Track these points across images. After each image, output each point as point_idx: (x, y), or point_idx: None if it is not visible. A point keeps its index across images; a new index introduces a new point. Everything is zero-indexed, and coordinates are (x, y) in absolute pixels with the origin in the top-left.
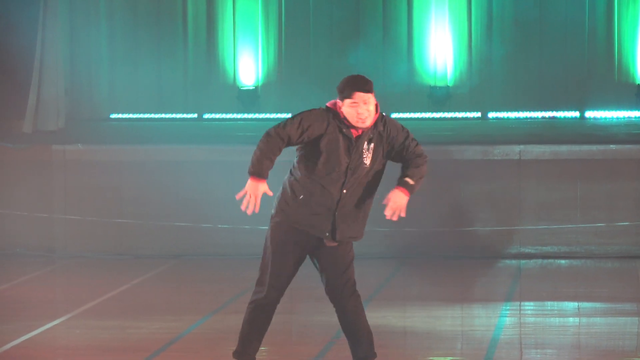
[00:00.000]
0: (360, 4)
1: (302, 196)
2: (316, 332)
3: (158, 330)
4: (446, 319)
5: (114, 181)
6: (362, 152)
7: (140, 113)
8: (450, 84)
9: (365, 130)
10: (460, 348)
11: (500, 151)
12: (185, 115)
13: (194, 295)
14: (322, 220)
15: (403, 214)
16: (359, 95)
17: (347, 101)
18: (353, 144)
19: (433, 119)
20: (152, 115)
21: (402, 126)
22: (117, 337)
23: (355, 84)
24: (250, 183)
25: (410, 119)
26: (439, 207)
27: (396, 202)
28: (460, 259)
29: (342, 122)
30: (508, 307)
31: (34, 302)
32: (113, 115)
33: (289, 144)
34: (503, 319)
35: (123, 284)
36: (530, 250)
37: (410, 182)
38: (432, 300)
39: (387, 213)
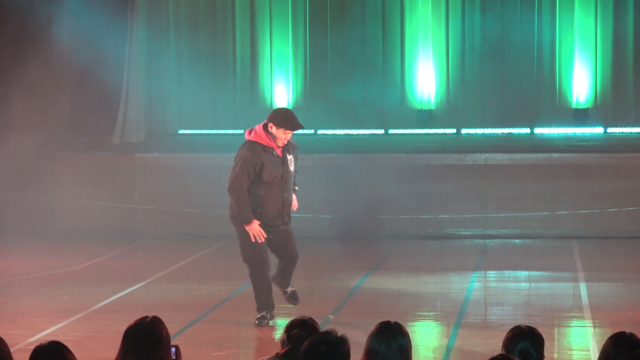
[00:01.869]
0: (365, 45)
1: (259, 209)
2: (333, 294)
3: (215, 291)
4: (429, 284)
5: (181, 180)
6: (288, 161)
7: (200, 129)
8: (432, 107)
9: (282, 147)
10: (440, 306)
11: (471, 158)
12: (234, 131)
13: (241, 265)
14: None
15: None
16: (291, 131)
17: (279, 130)
18: (280, 159)
19: (420, 134)
20: (210, 131)
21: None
22: (184, 297)
23: (287, 123)
24: (249, 228)
25: (403, 134)
26: (424, 201)
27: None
28: (441, 239)
29: (268, 147)
30: (476, 275)
31: (121, 271)
32: (181, 131)
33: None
34: (472, 284)
35: (188, 257)
36: (493, 232)
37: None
38: (419, 270)
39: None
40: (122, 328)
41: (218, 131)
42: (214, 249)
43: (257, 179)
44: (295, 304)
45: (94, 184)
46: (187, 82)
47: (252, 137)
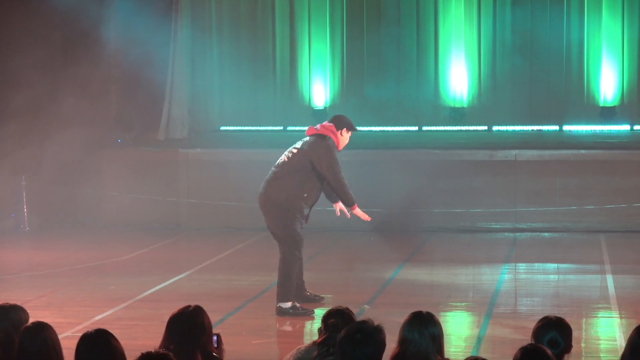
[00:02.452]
0: (400, 45)
1: (309, 195)
2: (368, 284)
3: (254, 282)
4: (461, 275)
5: (223, 175)
6: None
7: (241, 126)
8: (465, 105)
9: None
10: (472, 296)
11: (501, 154)
12: (273, 128)
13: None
14: None
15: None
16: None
17: (348, 133)
18: None
19: (452, 131)
20: (250, 128)
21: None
22: (225, 287)
23: (353, 126)
24: (358, 210)
25: (436, 131)
26: (456, 195)
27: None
28: (472, 232)
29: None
30: (506, 267)
31: (165, 261)
32: (222, 128)
33: None
34: (503, 276)
35: (229, 249)
36: (523, 226)
37: None
38: (451, 262)
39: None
40: (166, 316)
41: (258, 128)
42: (254, 241)
43: (315, 169)
44: (320, 300)
45: (139, 178)
46: (229, 81)
47: (326, 132)
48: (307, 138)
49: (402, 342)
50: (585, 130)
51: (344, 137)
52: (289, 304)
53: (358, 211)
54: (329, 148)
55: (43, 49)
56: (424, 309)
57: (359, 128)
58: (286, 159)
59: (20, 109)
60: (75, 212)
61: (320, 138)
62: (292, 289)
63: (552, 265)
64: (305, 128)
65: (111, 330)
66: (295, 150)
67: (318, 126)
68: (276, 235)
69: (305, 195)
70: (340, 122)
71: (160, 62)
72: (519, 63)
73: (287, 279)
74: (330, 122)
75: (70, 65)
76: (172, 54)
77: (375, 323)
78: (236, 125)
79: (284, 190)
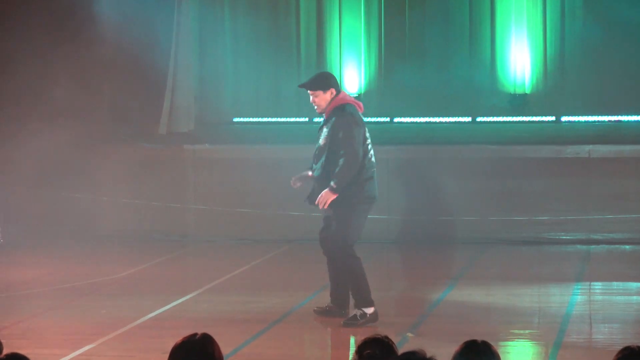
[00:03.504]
0: (449, 22)
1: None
2: (411, 307)
3: (275, 304)
4: (524, 296)
5: (237, 176)
6: (320, 134)
7: (259, 117)
8: (527, 91)
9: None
10: (537, 322)
11: (572, 150)
12: (298, 119)
13: (305, 275)
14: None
15: (325, 207)
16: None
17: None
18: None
19: (512, 122)
20: (270, 119)
21: (347, 123)
22: (239, 310)
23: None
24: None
25: (493, 122)
26: (517, 200)
27: (322, 198)
28: (537, 244)
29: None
30: (579, 287)
31: (168, 279)
32: (236, 119)
33: None
34: (575, 297)
35: (244, 265)
36: (598, 236)
37: (334, 186)
38: (512, 280)
39: (317, 201)
40: (168, 347)
41: (279, 119)
42: (275, 255)
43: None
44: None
45: (137, 180)
46: (244, 63)
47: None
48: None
49: None
50: None
51: None
52: (359, 312)
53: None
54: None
55: (25, 29)
56: (479, 338)
57: (398, 119)
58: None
59: None
60: (60, 221)
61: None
62: (364, 288)
63: (634, 284)
64: None
65: None
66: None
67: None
68: None
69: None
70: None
71: (161, 41)
72: (594, 40)
73: (357, 277)
74: None
75: (56, 47)
76: (176, 31)
77: (427, 355)
78: (253, 117)
79: None
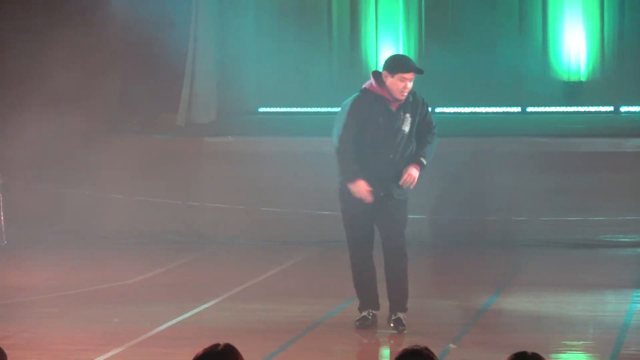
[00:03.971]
0: (497, 2)
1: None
2: (454, 316)
3: (302, 313)
4: (577, 304)
5: (262, 172)
6: (402, 120)
7: (287, 107)
8: (583, 79)
9: (402, 103)
10: (592, 332)
11: (632, 144)
12: (329, 109)
13: (336, 281)
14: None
15: (412, 186)
16: (408, 75)
17: (397, 76)
18: (393, 115)
19: (566, 112)
20: (299, 109)
21: (423, 99)
22: (262, 320)
23: (406, 65)
24: (353, 186)
25: (544, 112)
26: (570, 198)
27: (410, 175)
28: (592, 247)
29: (381, 98)
30: (638, 294)
31: (185, 286)
32: (261, 109)
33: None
34: (634, 305)
35: (269, 269)
36: None
37: (424, 161)
38: (564, 287)
39: (401, 182)
40: (188, 358)
41: (308, 109)
42: (303, 259)
43: (360, 133)
44: (398, 331)
45: (151, 176)
46: (269, 48)
47: (366, 84)
48: None
49: None
50: None
51: (393, 82)
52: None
53: (358, 186)
54: (347, 104)
55: (21, 7)
56: (529, 349)
57: (440, 109)
58: None
59: None
60: (62, 220)
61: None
62: (359, 289)
63: None
64: None
65: None
66: None
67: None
68: None
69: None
70: (384, 65)
71: (179, 22)
72: None
73: (353, 276)
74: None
75: (58, 27)
76: (195, 12)
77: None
78: (279, 106)
79: None
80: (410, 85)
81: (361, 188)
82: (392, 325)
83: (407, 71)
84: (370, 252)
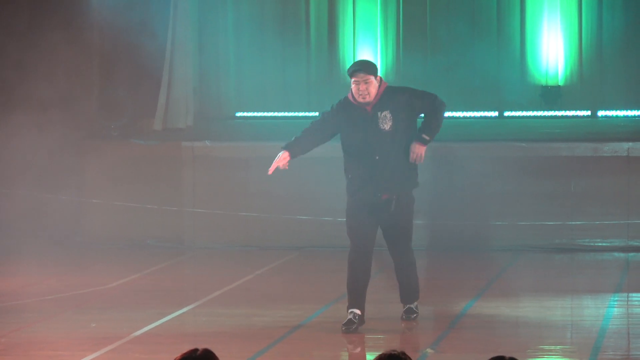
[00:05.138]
0: (475, 7)
1: (350, 175)
2: (432, 321)
3: (281, 318)
4: (556, 309)
5: (240, 176)
6: (380, 120)
7: (265, 111)
8: (561, 83)
9: (374, 103)
10: (570, 337)
11: (609, 148)
12: (307, 114)
13: (315, 285)
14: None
15: (421, 161)
16: (356, 78)
17: (352, 81)
18: (369, 116)
19: (544, 117)
20: (277, 114)
21: (410, 89)
22: (242, 324)
23: (351, 68)
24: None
25: (523, 117)
26: (549, 203)
27: (414, 153)
28: (571, 251)
29: (354, 103)
30: (616, 299)
31: (164, 290)
32: (239, 114)
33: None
34: (611, 310)
35: (248, 274)
36: (638, 243)
37: (425, 137)
38: (543, 291)
39: (411, 159)
40: None
41: (286, 114)
42: (282, 264)
43: (344, 141)
44: (410, 319)
45: (130, 181)
46: (248, 52)
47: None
48: None
49: None
50: None
51: (352, 87)
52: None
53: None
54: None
55: (1, 12)
56: (507, 354)
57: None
58: None
59: None
60: (43, 225)
61: None
62: (349, 287)
63: None
64: None
65: None
66: None
67: None
68: None
69: (350, 176)
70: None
71: (156, 26)
72: (634, 26)
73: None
74: None
75: (37, 31)
76: (173, 16)
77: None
78: (257, 111)
79: None
80: (364, 86)
81: (280, 157)
82: (403, 317)
83: (352, 75)
84: (368, 255)
